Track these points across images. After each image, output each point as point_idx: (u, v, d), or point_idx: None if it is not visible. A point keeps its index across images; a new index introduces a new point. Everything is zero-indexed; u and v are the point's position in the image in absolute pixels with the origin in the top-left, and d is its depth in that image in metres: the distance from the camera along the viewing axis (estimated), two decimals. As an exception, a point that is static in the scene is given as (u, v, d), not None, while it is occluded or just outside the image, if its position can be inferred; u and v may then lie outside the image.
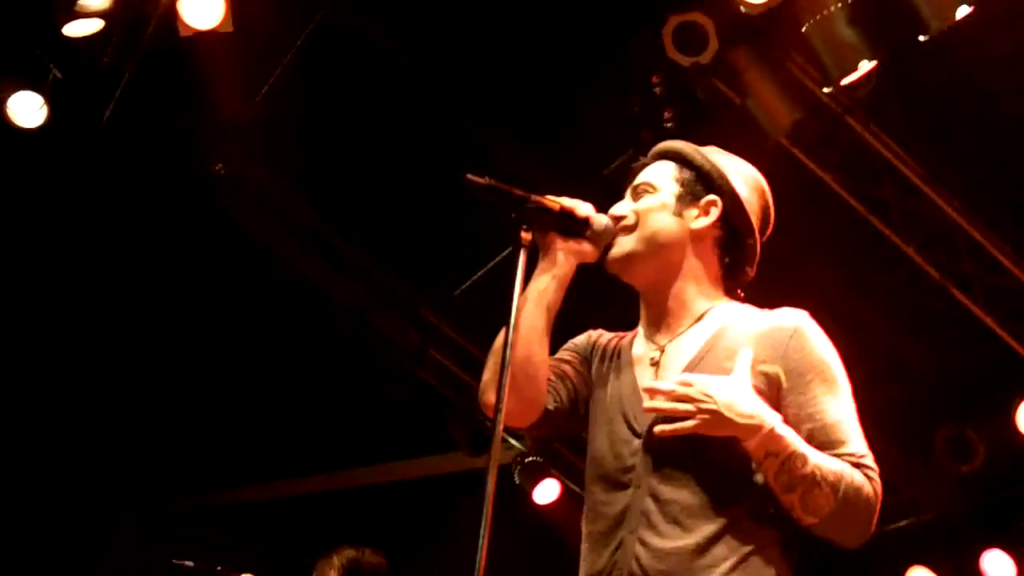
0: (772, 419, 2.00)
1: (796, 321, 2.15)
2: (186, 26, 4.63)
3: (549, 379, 2.24)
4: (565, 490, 6.35)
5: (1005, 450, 5.73)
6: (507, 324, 2.04)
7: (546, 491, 6.32)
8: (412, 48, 5.14)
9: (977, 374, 5.63)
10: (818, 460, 2.00)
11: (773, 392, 2.08)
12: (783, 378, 2.08)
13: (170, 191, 5.57)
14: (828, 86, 4.56)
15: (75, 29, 4.75)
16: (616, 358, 2.30)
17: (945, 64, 4.56)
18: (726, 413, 1.98)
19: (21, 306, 6.08)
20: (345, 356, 6.36)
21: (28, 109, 5.04)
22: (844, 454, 2.04)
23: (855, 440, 2.07)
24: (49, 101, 5.04)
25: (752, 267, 2.33)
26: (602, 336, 2.38)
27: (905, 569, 6.31)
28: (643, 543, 2.05)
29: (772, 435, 1.98)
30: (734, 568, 1.99)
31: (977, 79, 4.69)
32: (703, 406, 1.99)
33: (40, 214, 5.68)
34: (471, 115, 5.23)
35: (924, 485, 6.10)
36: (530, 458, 6.37)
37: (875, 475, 2.04)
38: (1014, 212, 5.19)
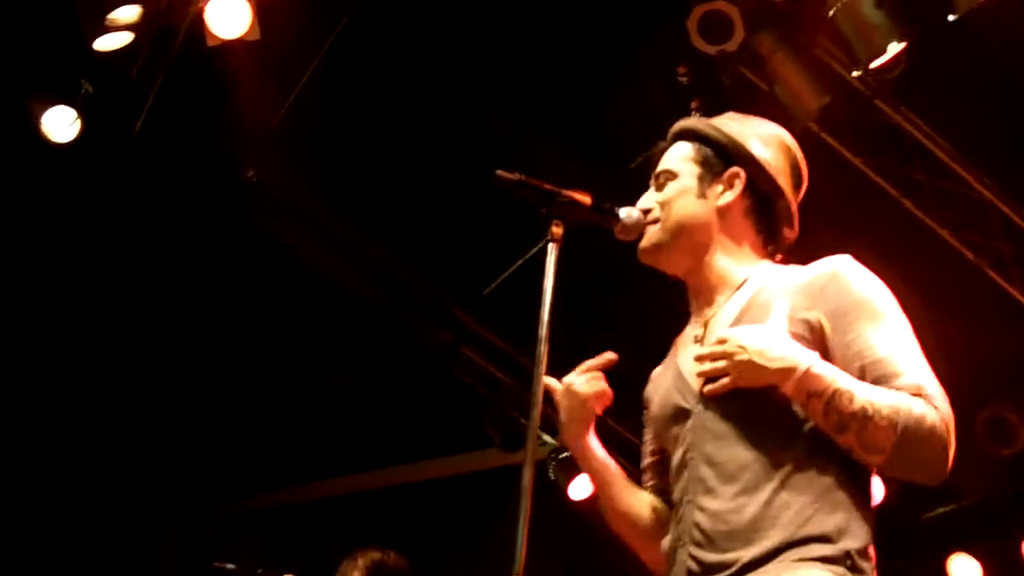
0: (808, 359, 1.93)
1: (833, 264, 2.09)
2: (213, 36, 4.66)
3: (654, 484, 2.30)
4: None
5: (1048, 432, 5.67)
6: (539, 322, 2.05)
7: (582, 486, 6.31)
8: (435, 46, 5.15)
9: (1016, 356, 5.57)
10: (869, 394, 1.91)
11: (817, 338, 2.01)
12: (825, 322, 2.01)
13: (202, 199, 5.63)
14: (857, 70, 4.52)
15: (105, 43, 4.79)
16: (663, 369, 2.30)
17: (975, 44, 4.51)
18: (758, 360, 1.94)
19: (65, 316, 6.18)
20: (378, 357, 6.39)
21: (62, 124, 5.10)
22: (903, 386, 1.94)
23: (914, 370, 1.97)
24: (82, 115, 5.10)
25: (792, 227, 2.28)
26: (655, 371, 2.35)
27: (946, 557, 6.25)
28: (701, 508, 2.00)
29: (808, 375, 1.91)
30: (795, 520, 1.92)
31: (1008, 58, 4.63)
32: (737, 358, 1.96)
33: (76, 227, 5.76)
34: (496, 111, 5.23)
35: (964, 470, 6.03)
36: (565, 454, 6.36)
37: (941, 403, 1.94)
38: (1050, 191, 5.13)
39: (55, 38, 5.00)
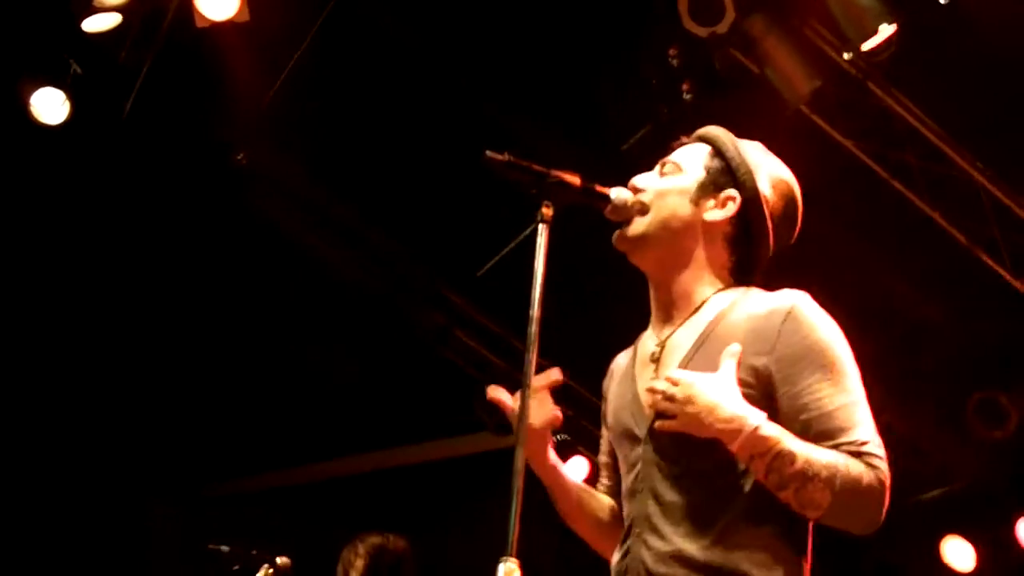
0: (755, 420, 1.94)
1: (789, 304, 2.07)
2: (203, 17, 4.64)
3: (610, 485, 2.35)
4: (594, 468, 6.35)
5: (1039, 414, 5.69)
6: (531, 302, 2.04)
7: (574, 469, 6.32)
8: (425, 28, 5.13)
9: (1008, 338, 5.58)
10: (809, 454, 1.94)
11: (764, 385, 2.02)
12: (773, 370, 2.02)
13: (191, 181, 5.61)
14: (848, 52, 4.51)
15: (94, 24, 4.78)
16: (626, 367, 2.30)
17: (966, 26, 4.50)
18: (706, 418, 1.95)
19: (50, 301, 6.16)
20: (371, 340, 6.39)
21: (51, 105, 5.09)
22: (843, 443, 1.97)
23: (857, 427, 1.99)
24: (71, 97, 5.08)
25: (756, 273, 2.26)
26: (616, 362, 2.37)
27: (939, 539, 6.28)
28: (648, 547, 2.03)
29: (754, 436, 1.93)
30: (737, 568, 1.96)
31: (998, 40, 4.62)
32: (687, 408, 1.97)
33: (66, 209, 5.74)
34: (488, 93, 5.22)
35: (957, 453, 6.07)
36: (558, 436, 6.37)
37: (879, 461, 1.97)
38: (1041, 174, 5.13)
39: (43, 19, 4.97)
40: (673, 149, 2.34)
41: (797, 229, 2.32)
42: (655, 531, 2.03)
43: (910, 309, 5.46)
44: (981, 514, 6.22)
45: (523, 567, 1.80)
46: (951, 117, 4.98)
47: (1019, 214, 5.16)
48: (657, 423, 2.04)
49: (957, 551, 6.26)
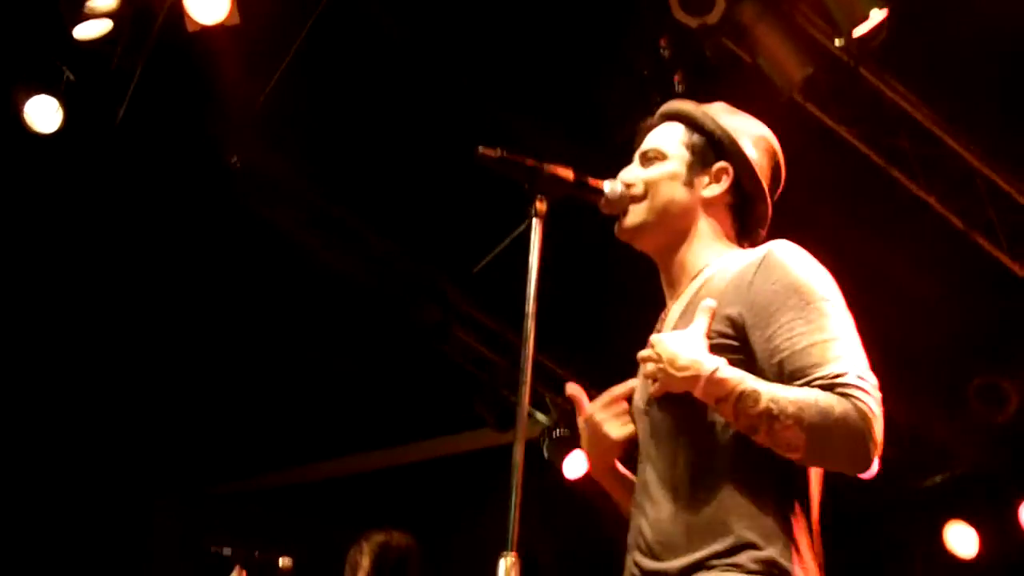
0: (711, 364, 1.93)
1: (764, 253, 2.05)
2: (193, 21, 4.64)
3: None
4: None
5: (1040, 397, 5.68)
6: (526, 297, 2.04)
7: (575, 464, 6.33)
8: (417, 24, 5.13)
9: (1008, 322, 5.58)
10: (774, 393, 1.89)
11: (739, 334, 2.00)
12: (746, 316, 2.00)
13: (187, 185, 5.61)
14: (839, 38, 4.50)
15: (85, 31, 4.78)
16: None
17: (958, 10, 4.50)
18: (668, 369, 1.96)
19: (55, 304, 6.17)
20: (370, 338, 6.40)
21: (44, 113, 5.09)
22: (816, 378, 1.90)
23: (834, 361, 1.91)
24: (64, 104, 5.08)
25: (764, 229, 2.30)
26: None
27: (942, 524, 6.28)
28: (644, 515, 2.05)
29: (712, 380, 1.91)
30: (725, 530, 1.93)
31: (991, 24, 4.62)
32: (657, 366, 1.98)
33: (62, 216, 5.74)
34: (478, 88, 5.22)
35: (958, 437, 6.07)
36: (558, 431, 6.37)
37: (857, 392, 1.87)
38: (1035, 155, 5.13)
39: (35, 27, 4.96)
40: (643, 133, 2.33)
41: (783, 177, 2.33)
42: (651, 499, 2.04)
43: (908, 294, 5.46)
44: (984, 499, 6.22)
45: (523, 561, 1.80)
46: (944, 101, 4.97)
47: (1015, 196, 5.15)
48: (650, 390, 2.05)
49: (960, 536, 6.26)
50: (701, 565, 1.93)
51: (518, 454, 1.90)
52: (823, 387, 1.89)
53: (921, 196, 5.04)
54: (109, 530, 6.77)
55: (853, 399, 1.87)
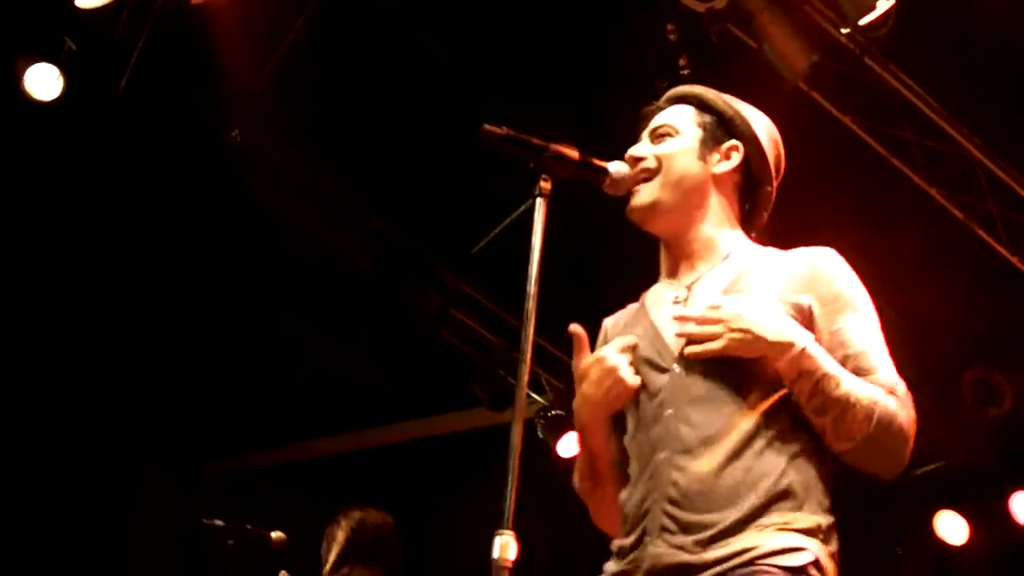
0: (804, 338, 1.99)
1: (823, 253, 2.16)
2: (196, -8, 4.61)
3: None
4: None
5: (1034, 391, 5.69)
6: (527, 279, 2.03)
7: (570, 444, 6.34)
8: (420, 5, 5.10)
9: (1004, 315, 5.58)
10: (852, 383, 1.98)
11: (805, 322, 2.05)
12: (815, 307, 2.06)
13: (186, 158, 5.59)
14: (846, 27, 4.49)
15: (87, 0, 4.74)
16: (635, 314, 2.30)
17: (964, 1, 4.48)
18: (757, 331, 1.98)
19: (46, 277, 6.14)
20: (366, 316, 6.39)
21: (44, 82, 5.06)
22: (878, 381, 2.01)
23: (887, 369, 2.05)
24: (65, 73, 5.05)
25: (768, 212, 2.34)
26: (608, 321, 2.36)
27: (933, 513, 6.31)
28: (679, 468, 2.01)
29: (804, 354, 1.97)
30: (771, 488, 1.95)
31: (996, 15, 4.60)
32: (733, 325, 1.99)
33: (59, 185, 5.72)
34: (480, 69, 5.19)
35: (952, 429, 6.08)
36: (553, 412, 6.38)
37: (910, 405, 2.02)
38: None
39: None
40: (649, 117, 2.34)
41: (783, 168, 2.37)
42: (688, 452, 2.01)
43: (906, 284, 5.46)
44: (975, 490, 6.25)
45: (518, 540, 1.80)
46: (949, 92, 4.96)
47: (1016, 190, 5.15)
48: (690, 348, 2.05)
49: (950, 525, 6.30)
50: (751, 519, 1.94)
51: (516, 435, 1.89)
52: (887, 390, 2.01)
53: (923, 187, 5.03)
54: (101, 505, 6.76)
55: (909, 410, 2.02)
